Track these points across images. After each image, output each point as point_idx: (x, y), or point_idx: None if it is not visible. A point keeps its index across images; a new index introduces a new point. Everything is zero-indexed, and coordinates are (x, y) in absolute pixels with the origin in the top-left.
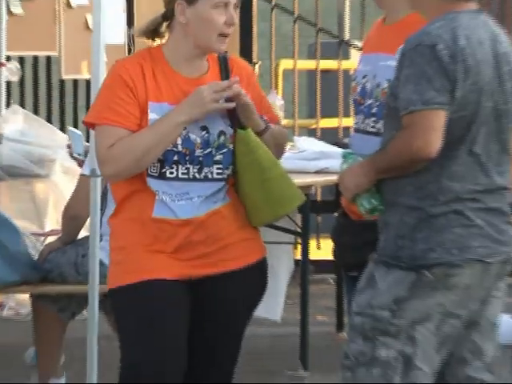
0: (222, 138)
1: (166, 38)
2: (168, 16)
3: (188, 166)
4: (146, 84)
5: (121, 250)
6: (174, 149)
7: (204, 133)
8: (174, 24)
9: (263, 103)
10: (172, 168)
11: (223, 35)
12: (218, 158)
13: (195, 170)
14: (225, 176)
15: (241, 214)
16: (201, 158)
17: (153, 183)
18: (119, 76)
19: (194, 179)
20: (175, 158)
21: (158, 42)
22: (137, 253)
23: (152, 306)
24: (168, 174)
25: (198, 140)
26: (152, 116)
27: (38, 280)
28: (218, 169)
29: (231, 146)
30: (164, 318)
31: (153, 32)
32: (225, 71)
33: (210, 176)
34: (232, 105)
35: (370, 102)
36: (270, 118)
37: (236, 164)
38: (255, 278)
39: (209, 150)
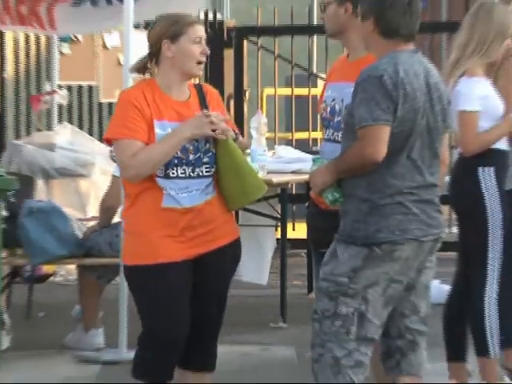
0: (208, 144)
1: (156, 70)
2: (154, 54)
3: (184, 167)
4: (149, 106)
5: (137, 234)
6: (175, 155)
7: (194, 141)
8: (161, 59)
9: (229, 120)
10: (173, 169)
11: (200, 63)
12: (205, 160)
13: (190, 170)
14: (211, 173)
15: (222, 202)
16: (193, 161)
17: (160, 182)
18: (129, 101)
19: (190, 177)
20: (175, 161)
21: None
22: (152, 239)
23: (165, 284)
24: (171, 174)
25: (191, 147)
26: (158, 131)
27: (82, 254)
28: (206, 168)
29: (214, 151)
30: (174, 294)
31: (143, 68)
32: (202, 97)
33: (201, 174)
34: (223, 137)
35: (338, 119)
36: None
37: (218, 164)
38: (235, 250)
39: (198, 154)
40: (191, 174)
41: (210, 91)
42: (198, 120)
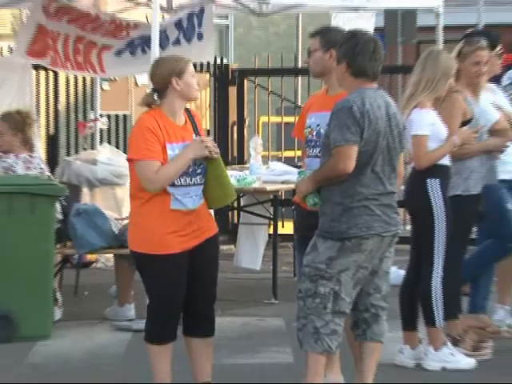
0: (200, 160)
1: (162, 101)
2: (160, 90)
3: (185, 177)
4: (161, 131)
5: (149, 229)
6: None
7: None
8: (168, 92)
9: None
10: (178, 179)
11: (197, 90)
12: (198, 171)
13: (189, 180)
14: (202, 182)
15: (205, 203)
16: (190, 173)
17: (169, 189)
18: (147, 127)
19: (189, 185)
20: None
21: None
22: (162, 234)
23: (170, 270)
24: (176, 183)
25: (190, 163)
26: (169, 152)
27: (117, 246)
28: (199, 178)
29: (204, 164)
30: (176, 278)
31: (151, 102)
32: (193, 121)
33: (196, 182)
34: (214, 156)
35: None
36: None
37: (206, 174)
38: (217, 240)
39: (194, 167)
40: (190, 182)
41: (196, 114)
42: (198, 144)
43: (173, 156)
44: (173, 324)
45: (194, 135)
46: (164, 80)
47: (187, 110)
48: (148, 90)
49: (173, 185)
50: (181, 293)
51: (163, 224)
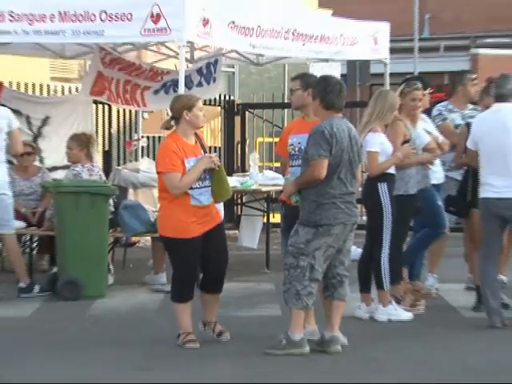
0: (208, 171)
1: (178, 127)
2: (177, 118)
3: (199, 182)
4: (180, 150)
5: (176, 219)
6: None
7: None
8: (181, 121)
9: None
10: (194, 184)
11: (203, 120)
12: (207, 177)
13: (201, 183)
14: (209, 185)
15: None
16: (202, 178)
17: (188, 191)
18: (170, 149)
19: (202, 187)
20: None
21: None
22: (186, 223)
23: (189, 249)
24: (193, 186)
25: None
26: (187, 165)
27: (154, 231)
28: (207, 182)
29: (210, 173)
30: (194, 254)
31: (169, 126)
32: (200, 141)
33: (206, 185)
34: (216, 167)
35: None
36: None
37: (212, 179)
38: (222, 224)
39: (205, 174)
40: (202, 185)
41: (201, 136)
42: (207, 159)
43: (189, 168)
44: (190, 288)
45: (202, 151)
46: (178, 112)
47: (195, 134)
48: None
49: (191, 188)
50: (195, 266)
51: (186, 216)
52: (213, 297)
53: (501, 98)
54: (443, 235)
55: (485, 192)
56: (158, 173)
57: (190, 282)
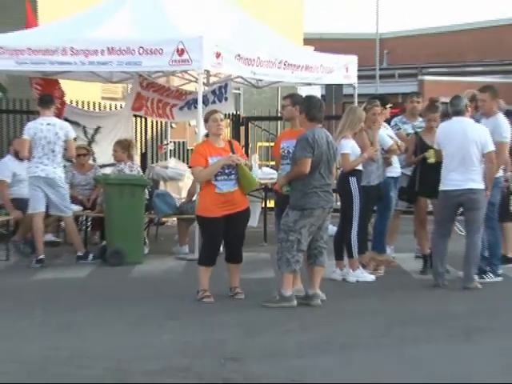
0: (232, 167)
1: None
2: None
3: (223, 176)
4: (206, 151)
5: (205, 203)
6: (219, 171)
7: (226, 166)
8: (207, 129)
9: (243, 155)
10: (218, 176)
11: (217, 128)
12: (233, 172)
13: (226, 177)
14: (234, 178)
15: (240, 190)
16: (228, 173)
17: (213, 181)
18: (197, 151)
19: (226, 180)
20: (219, 173)
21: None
22: (212, 206)
23: (215, 225)
24: (217, 179)
25: (225, 167)
26: (210, 161)
27: (179, 213)
28: (233, 176)
29: (236, 169)
30: (218, 232)
31: (207, 135)
32: (231, 146)
33: (231, 179)
34: (239, 163)
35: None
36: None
37: (238, 174)
38: (248, 212)
39: (230, 170)
40: (226, 178)
41: (236, 143)
42: (226, 158)
43: (211, 163)
44: (212, 256)
45: (230, 153)
46: (204, 123)
47: (229, 141)
48: (191, 123)
49: (216, 180)
50: (217, 240)
51: (210, 201)
52: (234, 266)
53: (458, 114)
54: (391, 214)
55: (446, 186)
56: (189, 167)
57: (212, 252)
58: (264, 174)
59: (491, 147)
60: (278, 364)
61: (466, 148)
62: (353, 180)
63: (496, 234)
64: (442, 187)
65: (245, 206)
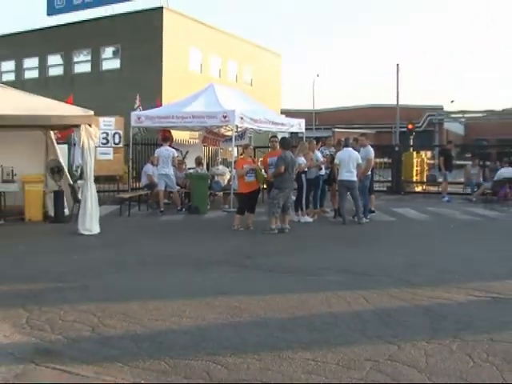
0: (253, 169)
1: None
2: (243, 152)
3: (250, 174)
4: (242, 161)
5: (240, 186)
6: (247, 170)
7: (252, 169)
8: (244, 151)
9: (257, 164)
10: (246, 173)
11: (248, 153)
12: (253, 173)
13: (250, 174)
14: (254, 175)
15: (256, 180)
16: (251, 173)
17: (244, 175)
18: (239, 162)
19: (249, 176)
20: (248, 171)
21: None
22: (243, 187)
23: (244, 196)
24: (246, 175)
25: (248, 168)
26: (244, 167)
27: (223, 190)
28: (254, 174)
29: (254, 171)
30: (245, 199)
31: (242, 153)
32: (253, 160)
33: (252, 174)
34: (256, 168)
35: (273, 165)
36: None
37: (255, 173)
38: (258, 191)
39: (252, 170)
40: (249, 174)
41: (255, 160)
42: (249, 166)
43: (245, 167)
44: (243, 210)
45: (253, 164)
46: (244, 149)
47: (251, 157)
48: (230, 149)
49: (246, 175)
50: (246, 204)
51: (243, 185)
52: (251, 214)
53: (347, 146)
54: (320, 191)
55: (341, 177)
56: (235, 168)
57: (243, 208)
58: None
59: (360, 161)
60: (270, 259)
61: (350, 161)
62: (303, 175)
63: (366, 198)
64: (340, 178)
65: (257, 188)
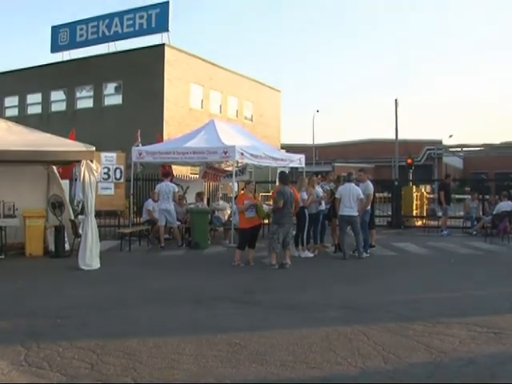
0: (254, 205)
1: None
2: (243, 188)
3: (250, 210)
4: (242, 197)
5: (241, 221)
6: (248, 206)
7: (252, 205)
8: (245, 188)
9: (259, 200)
10: (247, 210)
11: (250, 190)
12: (253, 209)
13: (250, 210)
14: (255, 211)
15: (257, 215)
16: (251, 209)
17: (245, 212)
18: (240, 197)
19: (250, 211)
20: (248, 207)
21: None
22: (245, 223)
23: (246, 232)
24: (247, 211)
25: (248, 204)
26: (245, 202)
27: (223, 226)
28: (254, 211)
29: (254, 206)
30: (247, 235)
31: (244, 188)
32: (254, 196)
33: (252, 210)
34: (256, 204)
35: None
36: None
37: (255, 208)
38: (260, 226)
39: (252, 207)
40: (250, 210)
41: (256, 195)
42: (250, 202)
43: (246, 203)
44: (244, 245)
45: (253, 199)
46: (246, 185)
47: (254, 194)
48: (230, 184)
49: (246, 211)
50: (247, 238)
51: (244, 220)
52: (251, 250)
53: (348, 181)
54: (320, 225)
55: (342, 212)
56: (236, 204)
57: (244, 244)
58: (265, 207)
59: (361, 196)
60: (271, 295)
61: (351, 196)
62: (305, 210)
63: (367, 233)
64: (340, 213)
65: (259, 223)
